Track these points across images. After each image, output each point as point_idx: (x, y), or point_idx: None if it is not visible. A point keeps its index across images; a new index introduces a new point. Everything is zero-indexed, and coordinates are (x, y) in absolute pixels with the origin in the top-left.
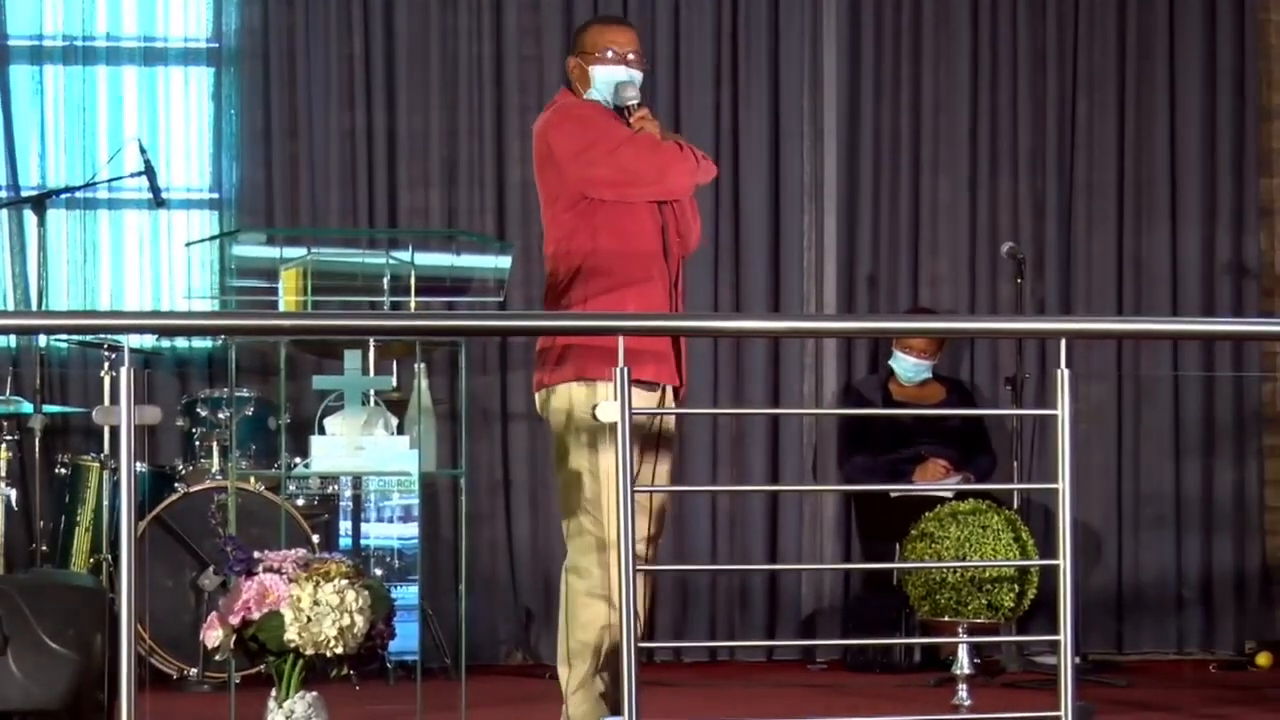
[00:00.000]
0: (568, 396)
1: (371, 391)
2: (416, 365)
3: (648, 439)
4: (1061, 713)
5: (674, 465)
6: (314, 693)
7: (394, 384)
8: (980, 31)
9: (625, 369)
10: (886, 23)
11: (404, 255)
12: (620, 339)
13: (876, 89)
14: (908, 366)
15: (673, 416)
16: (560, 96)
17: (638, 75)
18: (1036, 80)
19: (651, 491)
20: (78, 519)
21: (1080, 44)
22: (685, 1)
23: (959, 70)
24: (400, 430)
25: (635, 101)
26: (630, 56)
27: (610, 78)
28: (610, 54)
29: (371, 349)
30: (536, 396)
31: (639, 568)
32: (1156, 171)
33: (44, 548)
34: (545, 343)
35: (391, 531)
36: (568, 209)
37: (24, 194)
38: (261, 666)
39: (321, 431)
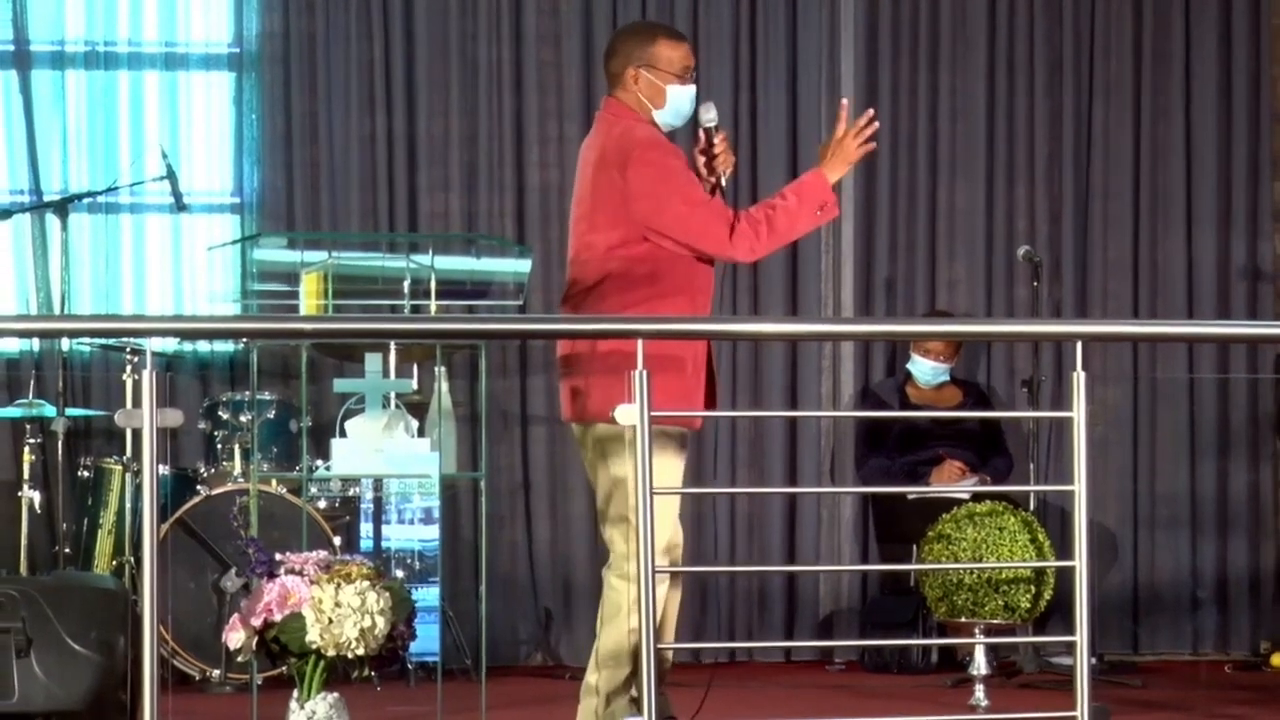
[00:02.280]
0: (618, 432)
1: (392, 394)
2: (437, 368)
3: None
4: (1078, 713)
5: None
6: (335, 694)
7: (414, 387)
8: (997, 38)
9: (644, 372)
10: (904, 29)
11: (424, 259)
12: (639, 343)
13: (894, 94)
14: (926, 369)
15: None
16: (616, 110)
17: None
18: (1053, 86)
19: (676, 494)
20: (100, 521)
21: (1097, 50)
22: (704, 8)
23: (976, 76)
24: (421, 433)
25: (715, 124)
26: (694, 74)
27: (685, 98)
28: (684, 74)
29: (392, 352)
30: (575, 423)
31: (659, 568)
32: (1172, 176)
33: (67, 550)
34: (587, 366)
35: (412, 533)
36: (627, 218)
37: (46, 199)
38: (283, 668)
39: (343, 434)
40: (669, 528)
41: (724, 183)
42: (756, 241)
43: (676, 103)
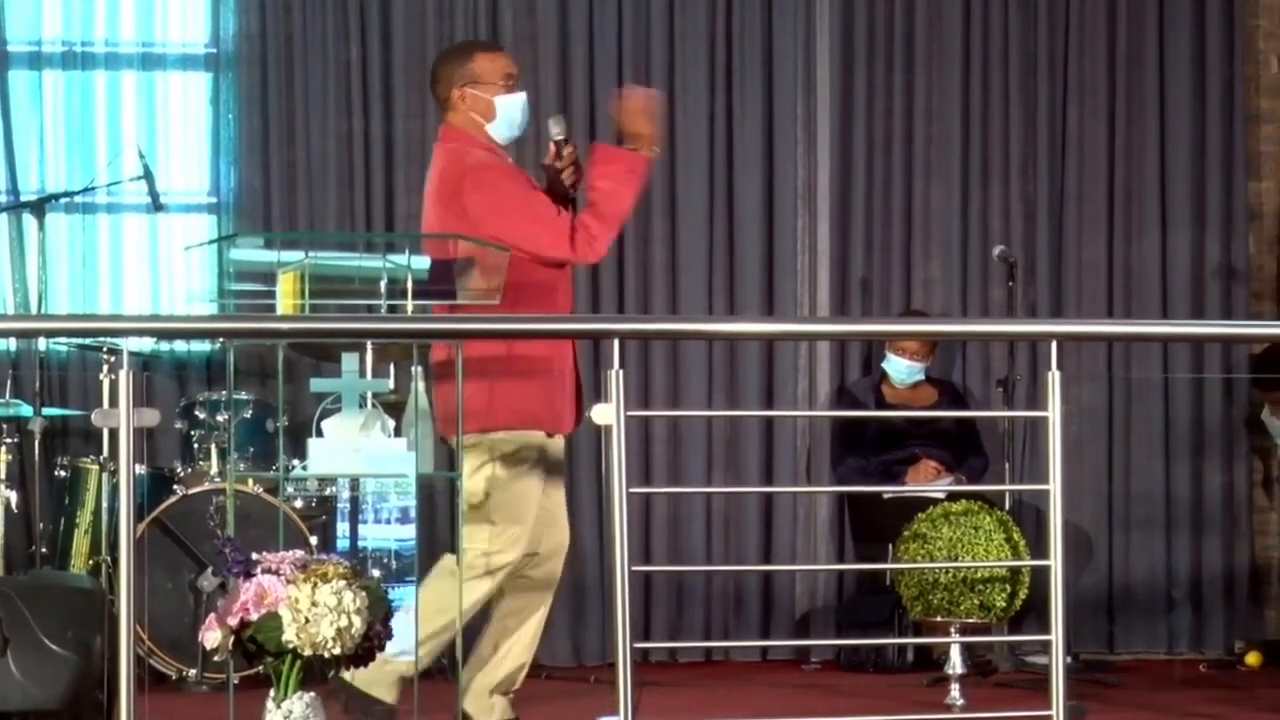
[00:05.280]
0: (490, 445)
1: (369, 394)
2: (414, 368)
3: (548, 466)
4: (1053, 712)
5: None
6: (312, 693)
7: (391, 387)
8: (972, 39)
9: (620, 371)
10: (879, 30)
11: (401, 259)
12: (616, 343)
13: (869, 95)
14: (900, 369)
15: (560, 445)
16: (449, 135)
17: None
18: (1027, 86)
19: (651, 493)
20: (77, 521)
21: (1071, 51)
22: (680, 8)
23: (951, 77)
24: (397, 432)
25: (564, 137)
26: (516, 82)
27: (514, 107)
28: (507, 82)
29: (369, 352)
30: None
31: (635, 569)
32: (1146, 176)
33: (44, 549)
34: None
35: (389, 533)
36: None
37: (24, 198)
38: (260, 667)
39: (319, 434)
40: (525, 532)
41: (574, 195)
42: (595, 240)
43: (507, 113)
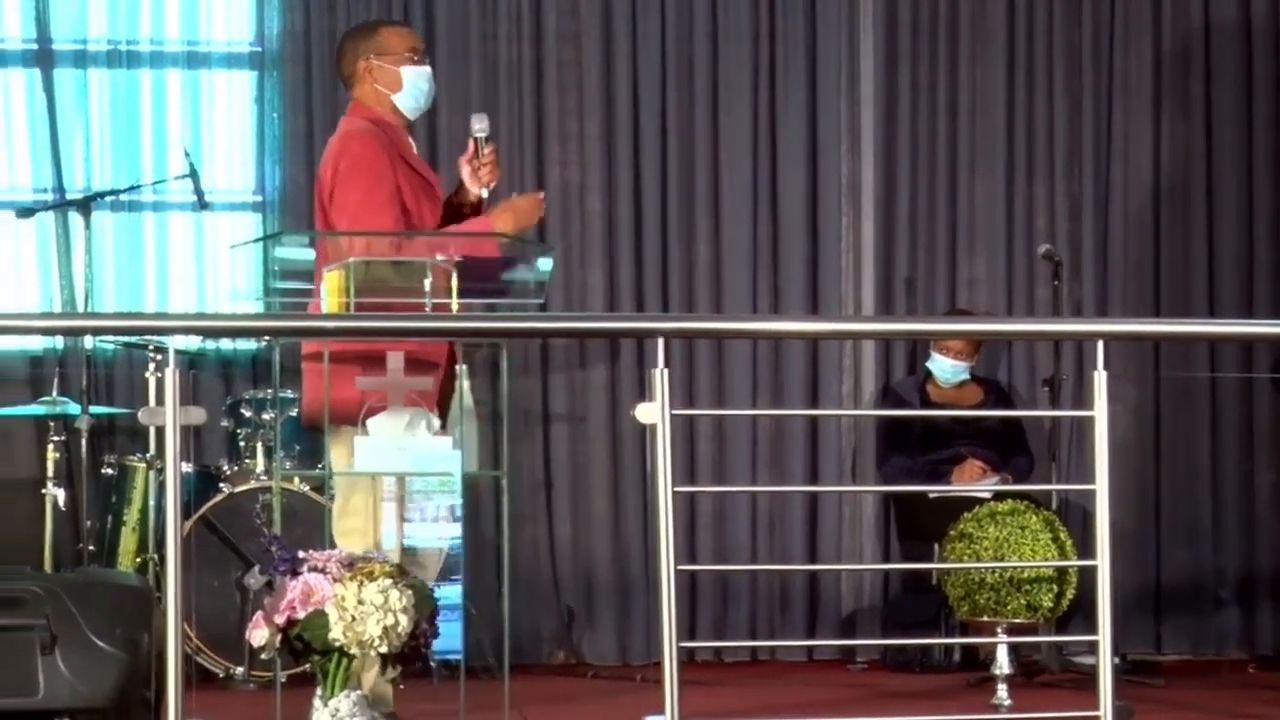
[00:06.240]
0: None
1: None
2: (458, 366)
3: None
4: (1101, 713)
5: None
6: (358, 691)
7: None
8: (1016, 35)
9: (665, 370)
10: (923, 27)
11: (444, 258)
12: (661, 342)
13: (913, 92)
14: (945, 368)
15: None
16: (354, 109)
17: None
18: (1073, 83)
19: (695, 491)
20: (124, 519)
21: (1116, 47)
22: (723, 6)
23: (995, 74)
24: (442, 431)
25: (486, 135)
26: (421, 57)
27: (421, 78)
28: (413, 55)
29: None
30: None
31: (680, 568)
32: (1192, 173)
33: (91, 547)
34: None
35: (435, 531)
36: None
37: (70, 197)
38: (306, 665)
39: (365, 432)
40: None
41: (485, 195)
42: None
43: (414, 83)
